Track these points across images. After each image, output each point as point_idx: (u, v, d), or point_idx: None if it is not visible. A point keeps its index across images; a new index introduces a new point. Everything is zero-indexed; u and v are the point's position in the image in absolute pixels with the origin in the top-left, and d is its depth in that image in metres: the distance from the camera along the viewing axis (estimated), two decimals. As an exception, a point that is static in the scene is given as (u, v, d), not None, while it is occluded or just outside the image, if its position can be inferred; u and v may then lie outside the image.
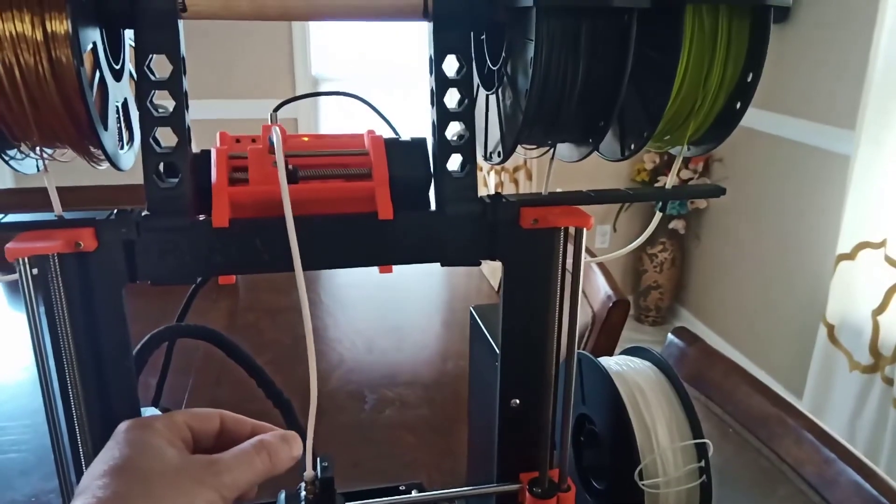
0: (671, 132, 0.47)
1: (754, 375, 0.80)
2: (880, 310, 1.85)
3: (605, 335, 1.08)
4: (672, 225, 2.84)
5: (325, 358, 1.09)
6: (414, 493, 0.55)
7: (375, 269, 0.47)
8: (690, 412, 0.52)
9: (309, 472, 0.46)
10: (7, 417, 0.93)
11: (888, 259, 1.83)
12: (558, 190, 0.49)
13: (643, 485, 0.49)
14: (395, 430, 0.91)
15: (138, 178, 0.43)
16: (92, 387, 0.44)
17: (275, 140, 0.41)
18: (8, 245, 0.40)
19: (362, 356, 1.11)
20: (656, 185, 2.74)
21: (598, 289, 1.13)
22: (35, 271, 0.40)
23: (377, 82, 2.84)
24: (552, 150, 0.51)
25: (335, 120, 2.85)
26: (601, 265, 1.18)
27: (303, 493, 0.46)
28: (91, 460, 0.39)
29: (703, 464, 0.50)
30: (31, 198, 1.55)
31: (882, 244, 1.85)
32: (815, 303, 2.17)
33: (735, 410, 0.78)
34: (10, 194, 1.82)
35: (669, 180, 0.51)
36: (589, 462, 0.58)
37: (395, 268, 0.47)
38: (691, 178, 2.72)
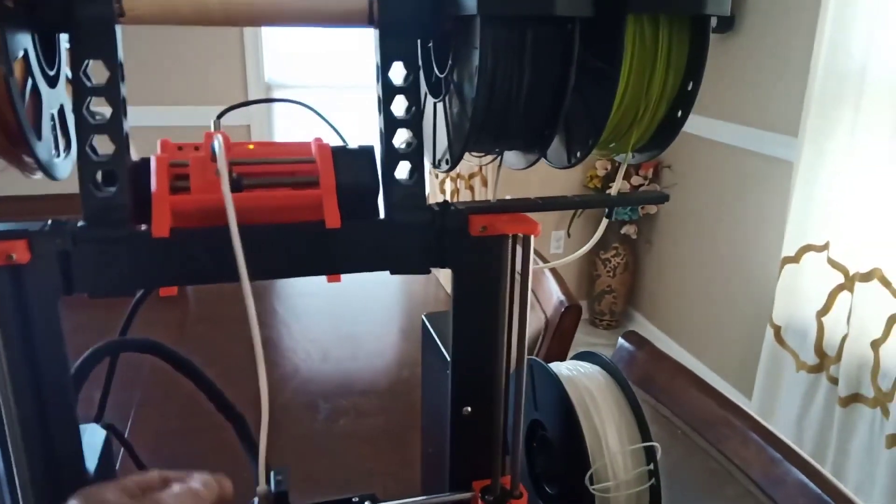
0: (616, 140, 0.48)
1: (702, 378, 0.81)
2: (824, 311, 1.91)
3: (558, 340, 1.09)
4: (624, 230, 2.89)
5: (279, 368, 1.08)
6: (366, 505, 0.55)
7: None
8: (639, 416, 0.52)
9: (262, 487, 0.45)
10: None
11: (831, 261, 1.89)
12: (509, 197, 0.49)
13: (594, 489, 0.50)
14: (350, 440, 0.90)
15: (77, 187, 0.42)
16: (27, 404, 0.42)
17: (216, 148, 0.40)
18: (-66, 258, 0.38)
19: (317, 365, 1.10)
20: (608, 190, 2.77)
21: (550, 294, 1.14)
22: (-36, 285, 0.39)
23: (334, 89, 2.82)
24: (499, 158, 0.51)
25: (290, 126, 2.82)
26: (553, 270, 1.19)
27: None
28: (27, 485, 0.38)
29: (651, 467, 0.51)
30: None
31: (825, 247, 1.91)
32: (762, 305, 2.23)
33: (683, 412, 0.79)
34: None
35: (615, 187, 0.52)
36: (541, 468, 0.59)
37: (350, 275, 0.47)
38: (642, 185, 2.77)
